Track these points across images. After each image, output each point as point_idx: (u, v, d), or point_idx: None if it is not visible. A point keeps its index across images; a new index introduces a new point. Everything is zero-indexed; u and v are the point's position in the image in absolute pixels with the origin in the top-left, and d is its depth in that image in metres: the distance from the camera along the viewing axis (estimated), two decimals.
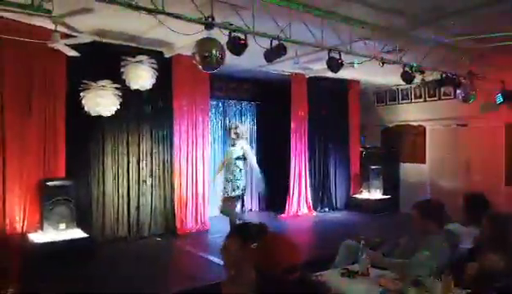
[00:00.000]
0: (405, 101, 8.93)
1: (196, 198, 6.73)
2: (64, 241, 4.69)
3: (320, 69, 6.70)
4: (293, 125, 7.93)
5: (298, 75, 7.73)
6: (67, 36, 4.73)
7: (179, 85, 6.45)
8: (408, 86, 7.80)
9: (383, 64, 5.46)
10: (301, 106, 7.99)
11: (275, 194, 8.37)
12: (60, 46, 4.51)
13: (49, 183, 4.87)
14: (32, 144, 4.85)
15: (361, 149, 9.11)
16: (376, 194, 8.62)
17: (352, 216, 8.09)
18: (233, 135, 6.10)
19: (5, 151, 4.48)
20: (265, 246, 1.83)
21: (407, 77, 5.72)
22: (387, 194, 8.62)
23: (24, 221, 4.77)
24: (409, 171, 8.84)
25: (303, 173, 8.06)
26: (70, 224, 4.98)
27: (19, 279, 4.42)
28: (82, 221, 5.27)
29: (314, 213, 8.15)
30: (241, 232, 2.16)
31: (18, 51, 4.60)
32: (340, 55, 4.78)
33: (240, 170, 6.06)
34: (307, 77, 7.84)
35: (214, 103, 7.84)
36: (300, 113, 7.99)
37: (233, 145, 6.13)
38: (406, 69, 5.65)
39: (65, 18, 4.32)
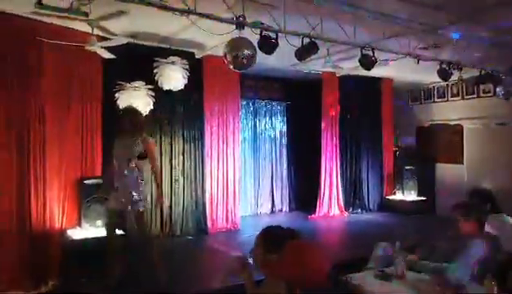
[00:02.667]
0: (441, 99, 8.62)
1: (227, 198, 6.78)
2: (100, 238, 4.81)
3: (351, 67, 6.57)
4: (323, 124, 7.84)
5: (329, 74, 7.63)
6: (103, 39, 4.87)
7: (210, 85, 6.53)
8: (445, 83, 7.53)
9: (418, 61, 5.30)
10: (332, 105, 7.88)
11: (305, 195, 8.31)
12: (97, 48, 4.65)
13: (86, 181, 5.03)
14: (70, 143, 5.02)
15: (394, 149, 8.87)
16: (411, 196, 8.37)
17: (386, 218, 7.89)
18: None
19: (45, 150, 4.66)
20: (292, 257, 1.77)
21: (444, 75, 5.52)
22: (422, 196, 8.34)
23: (63, 218, 4.95)
24: (445, 171, 8.52)
25: (334, 173, 7.94)
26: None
27: (58, 274, 4.61)
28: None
29: (346, 214, 8.01)
30: (267, 237, 2.10)
31: (57, 53, 4.75)
32: (373, 53, 4.68)
33: None
34: (338, 75, 7.72)
35: (244, 103, 7.86)
36: (331, 112, 7.88)
37: None
38: (443, 66, 5.45)
39: (100, 21, 4.46)
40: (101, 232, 4.93)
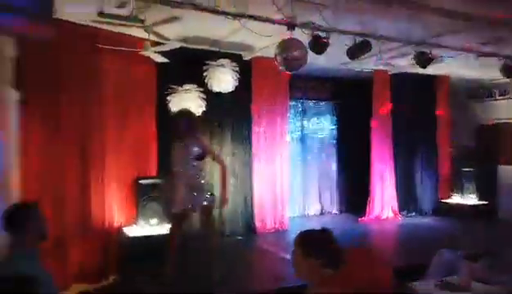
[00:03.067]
0: (503, 97, 8.05)
1: (275, 198, 6.77)
2: (156, 235, 4.99)
3: (405, 64, 6.33)
4: (375, 124, 7.60)
5: (381, 72, 7.38)
6: (156, 43, 5.05)
7: (258, 86, 6.56)
8: (507, 80, 7.00)
9: (478, 57, 4.98)
10: (384, 104, 7.62)
11: (355, 196, 8.11)
12: (151, 53, 4.84)
13: (142, 181, 5.25)
14: (127, 144, 5.26)
15: (451, 150, 8.40)
16: (470, 199, 7.88)
17: (442, 222, 7.48)
18: None
19: (104, 152, 4.92)
20: (356, 265, 1.69)
21: (507, 71, 5.14)
22: (483, 199, 7.82)
23: (120, 216, 5.20)
24: (509, 173, 7.93)
25: (387, 174, 7.67)
26: (162, 219, 5.31)
27: (117, 269, 4.85)
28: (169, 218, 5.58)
29: (399, 217, 7.71)
30: (303, 241, 1.96)
31: (115, 59, 5.00)
32: (430, 50, 4.46)
33: None
34: (390, 73, 7.46)
35: (293, 103, 7.81)
36: (383, 111, 7.62)
37: None
38: (507, 61, 5.08)
39: (155, 27, 4.63)
40: (156, 230, 5.12)
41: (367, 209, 7.57)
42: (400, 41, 4.42)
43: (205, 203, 4.21)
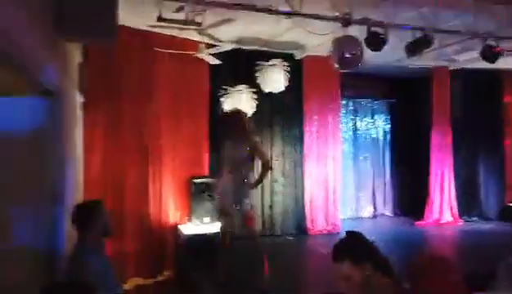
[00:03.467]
0: None
1: (327, 199, 6.66)
2: (208, 234, 5.09)
3: (467, 59, 5.94)
4: (434, 123, 7.21)
5: (440, 68, 6.99)
6: (210, 46, 5.15)
7: (309, 86, 6.48)
8: None
9: None
10: (443, 102, 7.21)
11: (411, 199, 7.76)
12: (205, 55, 4.94)
13: (195, 180, 5.37)
14: (182, 144, 5.41)
15: None
16: None
17: (509, 228, 6.94)
18: None
19: (161, 150, 5.10)
20: (430, 274, 1.56)
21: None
22: None
23: (175, 214, 5.36)
24: None
25: (446, 176, 7.25)
26: (213, 218, 5.40)
27: (172, 265, 5.00)
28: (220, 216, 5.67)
29: (460, 222, 7.25)
30: (349, 251, 1.82)
31: (170, 62, 5.17)
32: (497, 43, 4.14)
33: None
34: (450, 69, 7.04)
35: (344, 102, 7.63)
36: (442, 109, 7.21)
37: None
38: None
39: (209, 29, 4.71)
40: (209, 228, 5.22)
41: (425, 212, 7.20)
42: (465, 34, 4.14)
43: (248, 208, 4.23)
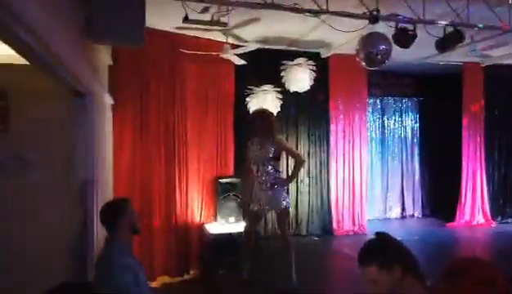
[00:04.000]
0: None
1: (353, 200, 6.55)
2: (234, 233, 5.11)
3: (502, 55, 5.70)
4: (465, 122, 6.97)
5: (472, 64, 6.74)
6: (235, 46, 5.16)
7: (335, 84, 6.40)
8: None
9: None
10: (476, 100, 6.96)
11: (441, 200, 7.53)
12: (230, 55, 4.96)
13: (221, 180, 5.41)
14: (207, 144, 5.47)
15: None
16: None
17: None
18: None
19: (187, 150, 5.17)
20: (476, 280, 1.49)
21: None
22: None
23: (201, 213, 5.41)
24: None
25: (479, 177, 7.00)
26: (238, 218, 5.42)
27: (198, 264, 5.05)
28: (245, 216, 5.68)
29: (493, 224, 6.98)
30: (377, 253, 1.75)
31: (196, 63, 5.23)
32: None
33: None
34: (483, 65, 6.78)
35: (371, 100, 7.49)
36: (474, 108, 6.96)
37: None
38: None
39: (234, 29, 4.73)
40: (234, 228, 5.24)
41: (456, 214, 6.97)
42: (497, 28, 3.97)
43: (282, 207, 4.14)
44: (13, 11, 1.38)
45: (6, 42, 1.62)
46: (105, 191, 3.94)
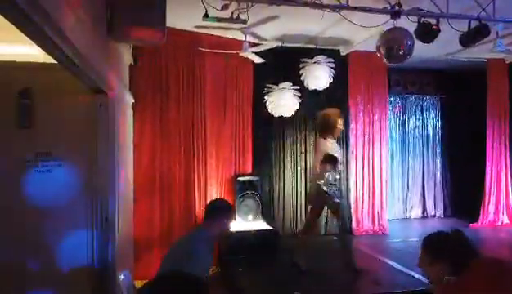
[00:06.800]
0: None
1: (373, 199, 6.46)
2: (252, 231, 5.11)
3: None
4: (489, 120, 6.77)
5: (496, 61, 6.55)
6: (254, 44, 5.16)
7: (355, 82, 6.33)
8: None
9: None
10: (500, 98, 6.76)
11: (464, 200, 7.34)
12: (249, 54, 4.95)
13: (240, 178, 5.42)
14: (226, 143, 5.48)
15: None
16: None
17: None
18: None
19: (206, 149, 5.19)
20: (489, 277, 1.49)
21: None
22: None
23: None
24: None
25: (503, 176, 6.80)
26: (256, 216, 5.42)
27: (217, 262, 5.06)
28: (265, 215, 5.68)
29: None
30: (431, 245, 1.88)
31: (215, 61, 5.26)
32: None
33: None
34: (508, 62, 6.59)
35: (392, 98, 7.37)
36: (499, 105, 6.77)
37: None
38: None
39: (252, 27, 4.72)
40: (252, 225, 5.24)
41: (480, 214, 6.79)
42: None
43: (336, 201, 4.42)
44: (42, 10, 1.41)
45: (34, 40, 1.65)
46: (127, 187, 3.99)
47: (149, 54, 4.76)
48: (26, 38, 1.60)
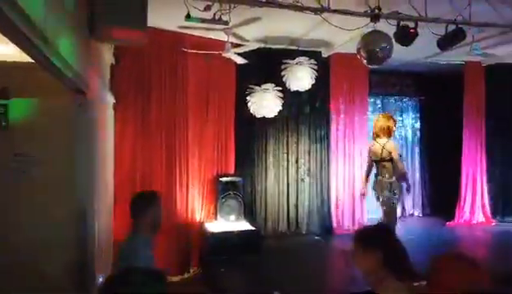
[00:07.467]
0: None
1: (353, 199, 6.55)
2: (234, 231, 5.11)
3: (503, 54, 5.71)
4: (466, 121, 6.97)
5: (473, 63, 6.75)
6: (236, 45, 5.16)
7: (337, 83, 6.42)
8: None
9: None
10: (476, 99, 6.96)
11: (441, 199, 7.53)
12: (231, 54, 4.96)
13: (222, 179, 5.41)
14: (208, 143, 5.46)
15: None
16: None
17: None
18: None
19: (188, 148, 5.16)
20: (452, 271, 1.55)
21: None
22: None
23: (202, 212, 5.41)
24: None
25: (479, 176, 7.00)
26: (239, 216, 5.42)
27: (199, 263, 5.05)
28: (247, 215, 5.69)
29: (493, 223, 6.99)
30: (362, 235, 1.94)
31: (197, 61, 5.23)
32: None
33: None
34: (484, 65, 6.79)
35: (372, 100, 7.49)
36: (475, 107, 6.97)
37: None
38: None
39: (235, 28, 4.72)
40: (234, 226, 5.24)
41: (456, 213, 6.98)
42: (500, 26, 3.97)
43: (393, 202, 4.85)
44: (20, 9, 1.38)
45: (12, 40, 1.62)
46: (106, 188, 3.94)
47: (131, 54, 4.70)
48: (1, 37, 1.57)
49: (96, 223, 2.90)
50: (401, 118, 7.93)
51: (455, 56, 6.13)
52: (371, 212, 7.20)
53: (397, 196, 4.94)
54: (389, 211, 4.90)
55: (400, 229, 6.45)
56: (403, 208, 7.83)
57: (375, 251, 1.80)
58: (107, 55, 4.09)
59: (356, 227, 6.45)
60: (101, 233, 3.30)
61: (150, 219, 2.46)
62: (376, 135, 5.11)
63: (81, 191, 2.71)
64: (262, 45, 5.41)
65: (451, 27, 3.79)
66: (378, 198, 5.06)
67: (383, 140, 5.02)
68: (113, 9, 2.68)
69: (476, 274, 1.56)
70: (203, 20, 3.43)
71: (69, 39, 2.24)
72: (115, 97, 4.52)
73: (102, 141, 3.52)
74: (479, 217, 6.98)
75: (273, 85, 5.75)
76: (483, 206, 7.04)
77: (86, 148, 2.77)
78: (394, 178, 4.90)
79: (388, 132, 5.07)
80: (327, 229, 6.43)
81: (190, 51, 4.86)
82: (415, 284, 1.77)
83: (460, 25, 3.67)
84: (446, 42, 3.82)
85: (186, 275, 4.98)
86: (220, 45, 4.97)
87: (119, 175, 4.67)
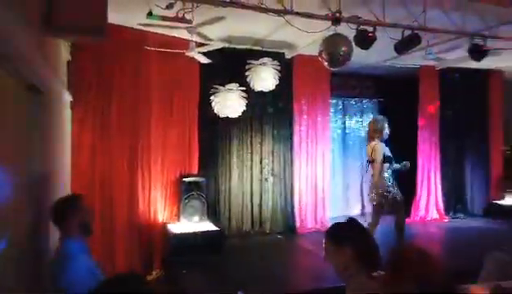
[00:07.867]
0: None
1: (316, 198, 6.69)
2: (197, 232, 5.07)
3: (454, 59, 6.03)
4: (421, 122, 7.31)
5: (428, 67, 7.09)
6: (200, 45, 5.12)
7: (299, 85, 6.51)
8: None
9: None
10: (431, 101, 7.32)
11: None
12: (195, 54, 4.91)
13: (185, 179, 5.35)
14: (172, 143, 5.38)
15: (504, 149, 7.92)
16: None
17: (494, 225, 7.06)
18: None
19: (150, 149, 5.06)
20: (413, 264, 1.63)
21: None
22: None
23: (164, 213, 5.33)
24: None
25: (433, 175, 7.36)
26: (202, 217, 5.39)
27: (161, 265, 4.97)
28: (211, 215, 5.67)
29: (446, 219, 7.37)
30: (333, 233, 1.97)
31: (160, 60, 5.14)
32: (485, 42, 4.21)
33: None
34: (437, 69, 7.15)
35: (334, 101, 7.67)
36: (430, 109, 7.32)
37: None
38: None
39: (199, 28, 4.69)
40: (198, 227, 5.20)
41: (412, 210, 7.29)
42: (453, 33, 4.19)
43: (398, 197, 5.23)
44: None
45: None
46: (62, 191, 3.78)
47: (90, 51, 4.54)
48: None
49: (50, 236, 2.76)
50: (361, 120, 8.19)
51: (412, 60, 6.41)
52: (333, 211, 7.41)
53: (394, 191, 5.31)
54: (398, 208, 5.33)
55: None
56: (363, 206, 8.08)
57: (346, 247, 1.83)
58: (63, 52, 3.93)
59: (318, 226, 6.60)
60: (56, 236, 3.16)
61: (75, 223, 2.33)
62: (370, 138, 5.48)
63: (35, 192, 2.59)
64: (227, 45, 5.40)
65: (408, 32, 3.97)
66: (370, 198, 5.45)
67: (373, 143, 5.36)
68: (69, 3, 2.58)
69: (432, 266, 1.64)
70: (164, 18, 3.38)
71: (23, 34, 2.14)
72: (73, 96, 4.35)
73: (58, 141, 3.39)
74: (433, 214, 7.33)
75: (237, 85, 5.75)
76: (437, 203, 7.40)
77: (41, 147, 2.65)
78: (385, 178, 5.27)
79: (378, 135, 5.42)
80: (290, 228, 6.51)
81: (152, 49, 4.77)
82: (374, 274, 1.83)
83: (415, 31, 3.84)
84: (402, 46, 3.99)
85: (148, 277, 4.88)
86: (184, 44, 4.91)
87: (76, 176, 4.50)
